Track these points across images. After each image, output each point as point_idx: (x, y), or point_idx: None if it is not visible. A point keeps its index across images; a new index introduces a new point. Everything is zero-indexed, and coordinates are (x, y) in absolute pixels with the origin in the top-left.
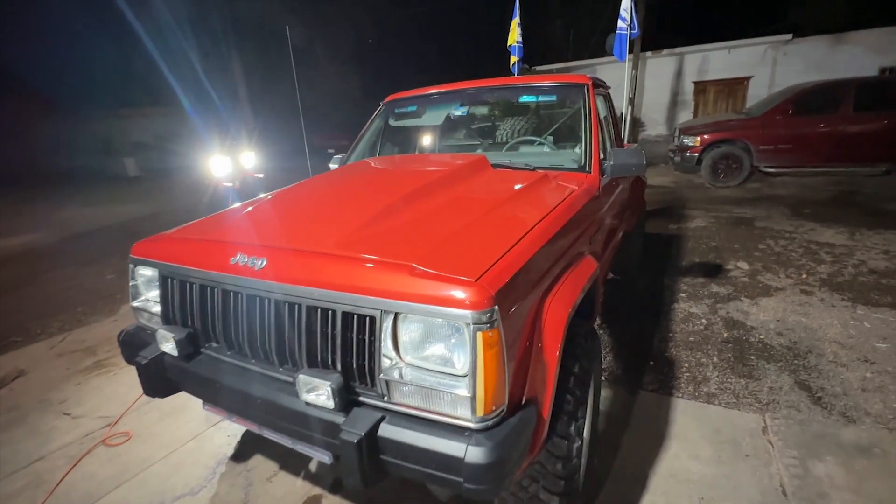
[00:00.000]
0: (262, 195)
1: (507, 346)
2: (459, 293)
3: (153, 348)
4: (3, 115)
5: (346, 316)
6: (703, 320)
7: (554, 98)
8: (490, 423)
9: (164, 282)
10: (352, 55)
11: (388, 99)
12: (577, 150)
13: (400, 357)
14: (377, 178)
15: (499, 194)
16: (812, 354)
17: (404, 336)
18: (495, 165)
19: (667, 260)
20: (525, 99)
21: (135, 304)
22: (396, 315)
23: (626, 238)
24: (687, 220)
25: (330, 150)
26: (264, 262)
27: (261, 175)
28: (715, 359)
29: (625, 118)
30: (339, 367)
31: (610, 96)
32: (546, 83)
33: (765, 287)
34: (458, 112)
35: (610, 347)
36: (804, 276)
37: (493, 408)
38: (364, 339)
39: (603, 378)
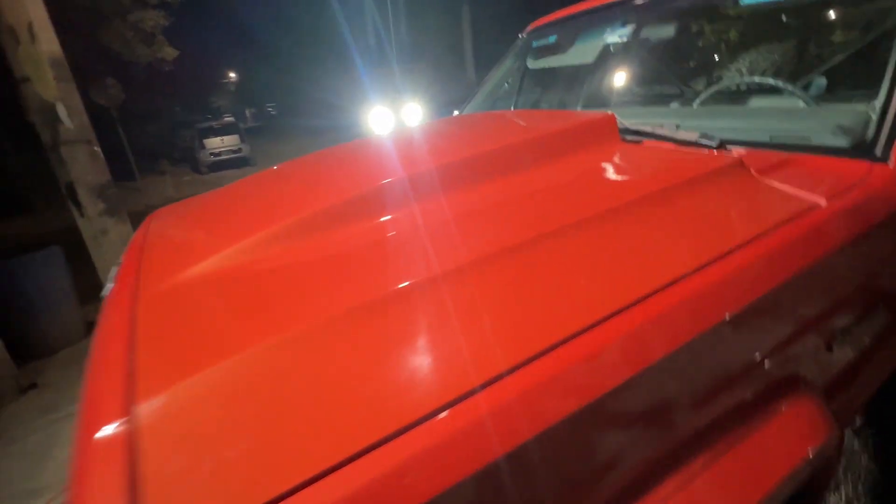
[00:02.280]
0: None
1: None
2: None
3: None
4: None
5: None
6: None
7: None
8: None
9: None
10: None
11: (529, 28)
12: (861, 107)
13: None
14: (381, 154)
15: (571, 213)
16: None
17: None
18: (634, 135)
19: None
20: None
21: None
22: None
23: None
24: None
25: None
26: (108, 288)
27: None
28: None
29: None
30: None
31: None
32: None
33: None
34: (619, 38)
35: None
36: None
37: None
38: None
39: None
